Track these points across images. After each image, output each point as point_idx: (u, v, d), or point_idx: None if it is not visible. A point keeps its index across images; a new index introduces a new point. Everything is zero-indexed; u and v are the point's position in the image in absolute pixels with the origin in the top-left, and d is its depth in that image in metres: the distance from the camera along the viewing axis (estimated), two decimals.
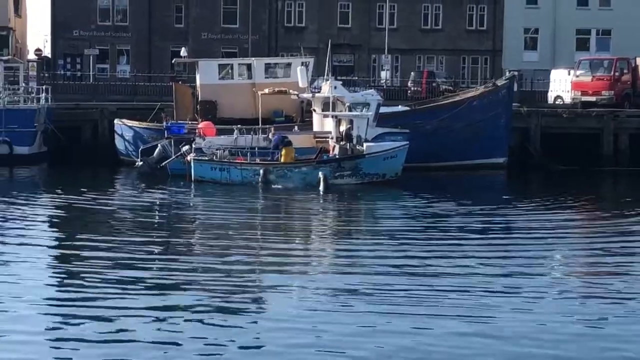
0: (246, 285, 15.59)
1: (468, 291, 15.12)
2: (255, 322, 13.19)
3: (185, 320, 13.21)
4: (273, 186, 30.98)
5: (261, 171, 31.29)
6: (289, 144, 32.38)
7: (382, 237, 21.38)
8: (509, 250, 19.52)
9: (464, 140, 37.44)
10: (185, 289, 15.30)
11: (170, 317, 13.35)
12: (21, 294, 14.73)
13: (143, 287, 15.25)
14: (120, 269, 16.83)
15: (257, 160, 32.31)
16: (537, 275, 16.48)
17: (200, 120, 36.81)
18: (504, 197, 31.64)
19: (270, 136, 33.08)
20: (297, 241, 20.85)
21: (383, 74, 64.50)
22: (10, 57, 52.94)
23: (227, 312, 13.68)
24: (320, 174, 30.72)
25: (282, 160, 32.16)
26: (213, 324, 12.99)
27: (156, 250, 19.04)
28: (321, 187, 30.43)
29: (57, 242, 21.07)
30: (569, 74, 48.84)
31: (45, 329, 12.75)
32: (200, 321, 13.17)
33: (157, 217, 25.24)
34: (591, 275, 17.13)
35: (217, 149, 32.75)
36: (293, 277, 16.27)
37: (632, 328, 13.04)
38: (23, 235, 20.97)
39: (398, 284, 15.63)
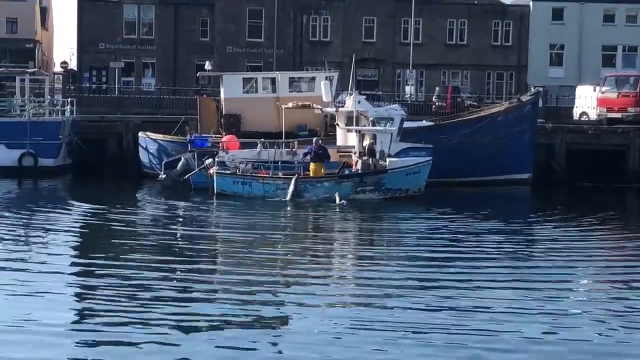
0: (266, 302, 15.43)
1: (489, 311, 14.92)
2: (274, 342, 13.05)
3: (206, 337, 13.11)
4: (299, 199, 30.81)
5: (292, 181, 31.02)
6: (320, 159, 32.19)
7: (404, 254, 21.19)
8: (532, 272, 19.14)
9: (488, 155, 37.23)
10: (204, 303, 15.19)
11: (188, 331, 13.27)
12: (40, 308, 14.70)
13: (161, 302, 15.16)
14: (139, 282, 16.78)
15: (280, 174, 32.25)
16: (560, 299, 16.10)
17: (224, 133, 36.85)
18: (528, 214, 31.38)
19: (314, 145, 32.55)
20: (317, 259, 20.59)
21: (407, 89, 64.42)
22: (36, 69, 53.28)
23: (245, 327, 13.58)
24: (337, 195, 30.63)
25: (310, 175, 32.09)
26: (229, 338, 12.91)
27: (176, 266, 18.92)
28: (337, 200, 30.37)
29: (77, 255, 21.06)
30: (595, 90, 48.53)
31: (67, 340, 12.71)
32: (218, 335, 13.09)
33: (177, 231, 25.17)
34: (614, 298, 16.78)
35: (240, 163, 32.73)
36: (313, 296, 16.04)
37: None
38: (44, 246, 21.05)
39: (418, 304, 15.41)
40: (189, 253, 20.86)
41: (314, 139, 33.00)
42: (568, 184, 39.19)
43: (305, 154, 32.52)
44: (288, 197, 30.88)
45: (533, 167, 38.80)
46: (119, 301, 15.11)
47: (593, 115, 47.72)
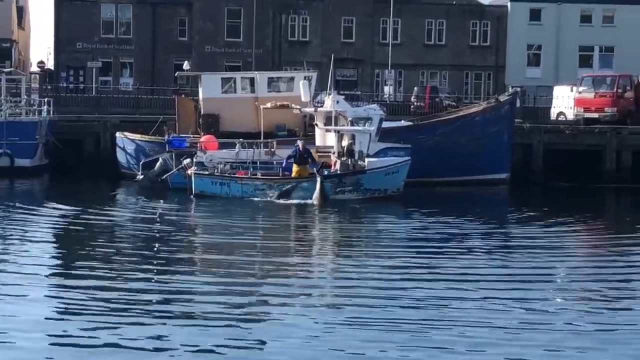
0: (246, 304, 15.37)
1: (464, 305, 14.96)
2: (257, 344, 13.02)
3: (186, 339, 13.04)
4: (281, 201, 30.68)
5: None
6: (305, 161, 32.15)
7: (383, 254, 21.12)
8: (509, 270, 19.21)
9: (466, 155, 37.31)
10: (183, 306, 15.11)
11: (167, 333, 13.21)
12: (17, 310, 14.58)
13: (139, 305, 15.05)
14: (116, 284, 16.66)
15: (258, 175, 32.19)
16: (536, 300, 16.07)
17: (202, 133, 36.73)
18: (506, 214, 31.46)
19: (299, 148, 32.45)
20: (295, 260, 20.49)
21: (386, 89, 64.58)
22: (12, 69, 52.90)
23: (227, 326, 13.53)
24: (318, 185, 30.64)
25: (295, 175, 32.01)
26: (211, 335, 12.86)
27: (153, 268, 18.77)
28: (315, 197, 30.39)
29: (52, 257, 20.86)
30: (572, 91, 48.78)
31: (44, 343, 12.61)
32: (196, 331, 13.04)
33: (155, 232, 24.95)
34: (591, 295, 16.87)
35: (218, 163, 32.62)
36: (292, 298, 16.00)
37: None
38: (19, 248, 20.84)
39: (397, 304, 15.38)
40: (167, 255, 20.65)
41: (299, 142, 32.92)
42: (545, 184, 39.33)
43: (289, 157, 32.35)
44: (315, 200, 30.55)
45: (511, 167, 38.92)
46: (95, 304, 14.96)
47: (570, 115, 47.96)
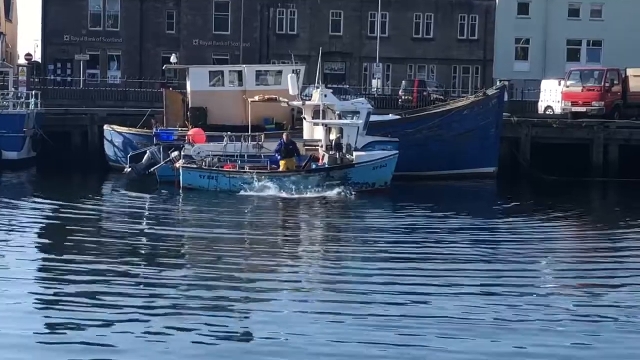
0: (233, 299, 15.30)
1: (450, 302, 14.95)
2: (244, 339, 12.97)
3: (173, 337, 12.97)
4: (262, 193, 30.64)
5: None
6: (289, 153, 32.09)
7: (368, 249, 21.06)
8: (498, 265, 19.21)
9: (454, 149, 37.39)
10: (170, 300, 15.04)
11: (151, 331, 13.14)
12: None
13: (125, 300, 14.97)
14: (103, 278, 16.57)
15: (246, 168, 32.12)
16: (521, 295, 16.06)
17: (190, 126, 36.63)
18: (493, 207, 31.52)
19: (284, 139, 32.36)
20: (284, 254, 20.37)
21: (374, 83, 64.44)
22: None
23: (214, 327, 13.49)
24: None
25: (282, 169, 31.96)
26: (198, 330, 12.81)
27: (140, 262, 18.67)
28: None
29: (39, 250, 20.73)
30: (560, 84, 48.84)
31: (28, 340, 12.52)
32: (186, 334, 12.98)
33: (142, 226, 24.84)
34: (579, 288, 16.91)
35: (206, 156, 32.55)
36: (279, 293, 15.97)
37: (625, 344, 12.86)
38: (5, 241, 20.68)
39: (382, 300, 15.36)
40: (154, 249, 20.56)
41: (284, 133, 32.88)
42: (533, 178, 39.38)
43: (276, 151, 32.27)
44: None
45: (498, 160, 38.98)
46: (78, 299, 14.85)
47: (558, 109, 48.04)
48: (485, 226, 25.69)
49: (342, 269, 18.33)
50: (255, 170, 31.83)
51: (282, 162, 32.02)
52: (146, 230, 23.79)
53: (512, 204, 31.38)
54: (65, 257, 18.91)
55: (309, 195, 30.44)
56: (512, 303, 15.12)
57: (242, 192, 31.00)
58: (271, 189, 30.91)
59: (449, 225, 25.15)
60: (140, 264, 18.38)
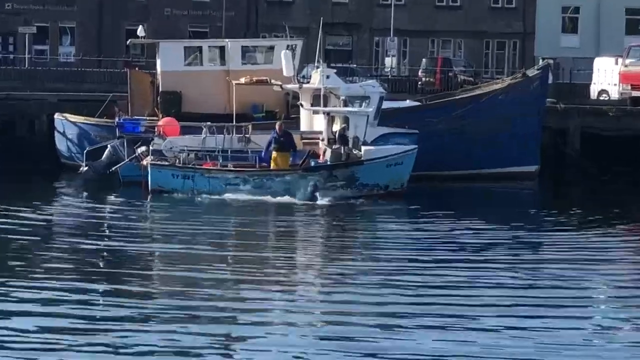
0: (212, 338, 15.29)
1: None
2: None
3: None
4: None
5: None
6: (285, 148, 32.16)
7: (380, 269, 21.00)
8: (535, 292, 19.02)
9: (486, 143, 37.41)
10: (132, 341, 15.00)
11: None
12: None
13: (77, 330, 14.98)
14: (53, 302, 16.66)
15: (230, 167, 32.17)
16: (566, 329, 16.00)
17: (160, 115, 36.69)
18: (534, 216, 31.47)
19: (277, 131, 32.36)
20: (275, 280, 19.96)
21: (387, 61, 64.50)
22: None
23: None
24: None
25: (272, 167, 32.04)
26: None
27: (97, 286, 18.51)
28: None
29: None
30: (617, 63, 48.80)
31: None
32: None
33: (101, 240, 24.80)
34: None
35: (180, 152, 32.60)
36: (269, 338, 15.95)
37: None
38: None
39: (400, 336, 15.32)
40: (114, 272, 20.31)
41: (277, 123, 32.92)
42: (583, 177, 39.40)
43: (269, 145, 32.26)
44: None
45: (541, 157, 39.00)
46: (25, 325, 14.92)
47: (614, 93, 48.00)
48: (524, 241, 25.65)
49: (347, 293, 18.29)
50: (241, 169, 31.85)
51: (273, 155, 32.05)
52: (104, 246, 23.70)
53: (558, 212, 31.34)
54: (4, 279, 18.79)
55: (305, 200, 30.48)
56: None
57: (224, 196, 31.05)
58: (260, 192, 30.96)
59: (479, 240, 25.11)
60: (95, 291, 18.21)
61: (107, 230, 26.79)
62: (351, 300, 17.57)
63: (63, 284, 18.56)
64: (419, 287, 18.83)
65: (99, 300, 17.31)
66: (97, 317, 15.92)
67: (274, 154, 32.14)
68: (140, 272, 20.77)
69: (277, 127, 32.50)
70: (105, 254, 22.70)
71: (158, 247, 24.29)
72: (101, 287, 18.51)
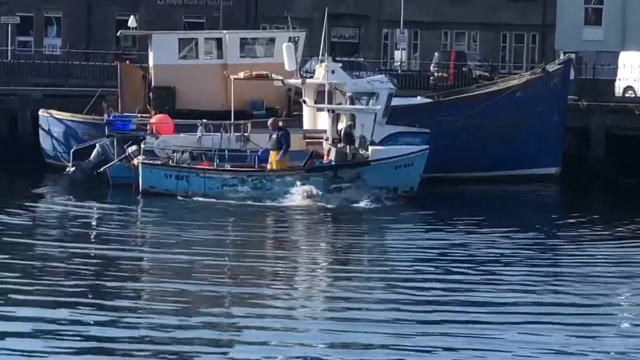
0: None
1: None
2: None
3: None
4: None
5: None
6: (273, 146, 32.15)
7: (388, 279, 20.97)
8: (556, 309, 18.93)
9: (504, 143, 37.43)
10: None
11: None
12: None
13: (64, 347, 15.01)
14: (37, 316, 16.68)
15: (227, 167, 32.19)
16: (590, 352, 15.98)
17: (153, 112, 36.72)
18: (555, 222, 31.43)
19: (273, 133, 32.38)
20: (274, 292, 19.86)
21: (397, 55, 64.55)
22: None
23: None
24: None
25: (270, 167, 32.07)
26: None
27: (83, 299, 18.47)
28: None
29: None
30: None
31: None
32: None
33: (89, 246, 24.80)
34: None
35: (174, 151, 32.63)
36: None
37: None
38: None
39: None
40: (103, 280, 20.29)
41: (270, 119, 32.95)
42: (607, 181, 39.39)
43: (272, 147, 32.31)
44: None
45: (562, 158, 38.99)
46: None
47: None
48: (542, 250, 25.65)
49: (352, 306, 18.27)
50: (239, 169, 31.88)
51: (272, 154, 32.04)
52: (92, 253, 23.71)
53: (580, 217, 31.30)
54: None
55: (307, 203, 30.51)
56: None
57: (221, 198, 31.08)
58: (259, 194, 31.00)
59: (495, 248, 25.12)
60: (83, 303, 18.18)
61: (93, 235, 26.77)
62: (355, 317, 17.53)
63: (42, 294, 18.63)
64: (426, 301, 18.79)
65: (81, 315, 17.24)
66: (88, 321, 16.02)
67: (272, 153, 32.17)
68: (128, 282, 20.64)
69: (270, 122, 32.50)
70: (90, 259, 22.60)
71: (148, 254, 24.26)
72: (86, 300, 18.44)
